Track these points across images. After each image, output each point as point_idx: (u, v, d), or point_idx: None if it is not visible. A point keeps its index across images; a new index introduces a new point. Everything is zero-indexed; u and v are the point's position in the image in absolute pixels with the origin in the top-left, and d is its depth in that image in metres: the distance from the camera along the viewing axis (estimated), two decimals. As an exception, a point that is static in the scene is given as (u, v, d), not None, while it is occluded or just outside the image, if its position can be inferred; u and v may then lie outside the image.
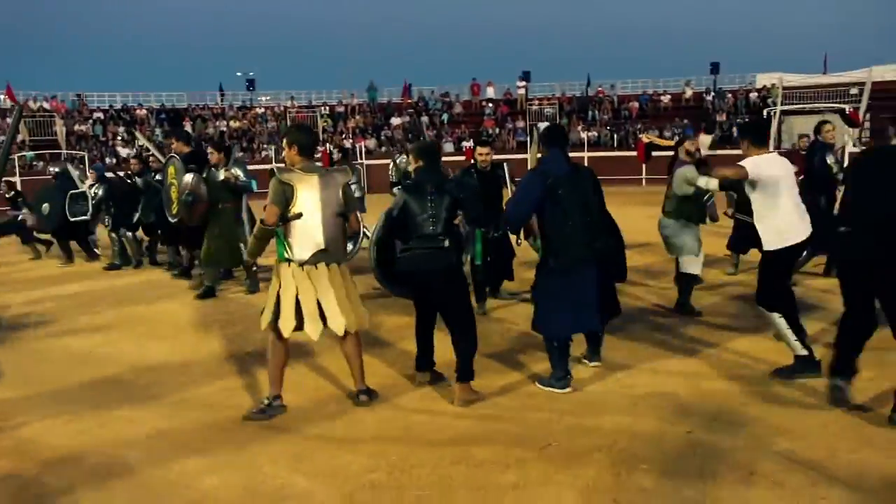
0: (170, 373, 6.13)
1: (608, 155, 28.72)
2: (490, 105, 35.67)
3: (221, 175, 8.77)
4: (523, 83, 36.02)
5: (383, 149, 31.76)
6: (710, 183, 6.10)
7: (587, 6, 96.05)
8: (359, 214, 6.64)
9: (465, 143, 31.43)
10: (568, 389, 5.30)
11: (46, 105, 33.02)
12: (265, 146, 31.69)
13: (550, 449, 4.39)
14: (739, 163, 5.44)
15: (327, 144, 31.69)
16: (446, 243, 5.19)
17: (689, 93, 34.62)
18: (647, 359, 6.07)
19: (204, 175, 8.83)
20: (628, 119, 33.29)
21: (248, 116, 35.17)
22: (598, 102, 34.70)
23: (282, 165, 5.47)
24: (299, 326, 4.94)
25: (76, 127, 31.94)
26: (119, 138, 31.43)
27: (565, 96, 36.12)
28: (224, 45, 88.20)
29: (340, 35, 45.84)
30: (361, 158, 29.88)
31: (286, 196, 4.85)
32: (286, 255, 4.91)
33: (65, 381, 5.98)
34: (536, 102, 35.09)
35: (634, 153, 25.72)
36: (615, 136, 31.50)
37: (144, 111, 34.66)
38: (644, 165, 25.02)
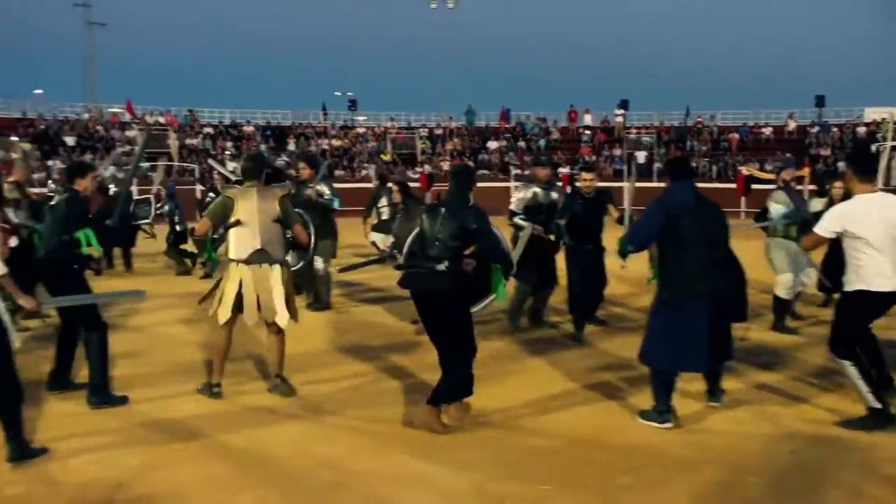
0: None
1: (707, 186, 28.17)
2: (587, 132, 35.84)
3: (307, 191, 8.97)
4: (621, 111, 36.08)
5: (479, 172, 32.28)
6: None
7: (687, 35, 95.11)
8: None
9: (561, 170, 31.71)
10: (668, 425, 5.16)
11: (161, 119, 34.90)
12: (365, 165, 32.65)
13: (662, 457, 4.68)
14: (819, 224, 5.25)
15: (425, 166, 32.51)
16: (441, 267, 5.11)
17: (791, 125, 34.01)
18: (749, 379, 6.26)
19: (292, 191, 9.09)
20: (728, 150, 32.93)
21: (350, 136, 36.29)
22: (696, 133, 34.48)
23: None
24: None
25: (188, 140, 33.56)
26: (227, 153, 32.94)
27: (663, 125, 35.99)
28: (327, 65, 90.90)
29: (440, 58, 47.04)
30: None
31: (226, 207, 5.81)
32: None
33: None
34: (634, 131, 35.10)
35: (734, 185, 25.66)
36: (714, 167, 31.23)
37: (251, 127, 36.14)
38: (744, 198, 24.76)
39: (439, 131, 36.91)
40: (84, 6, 47.07)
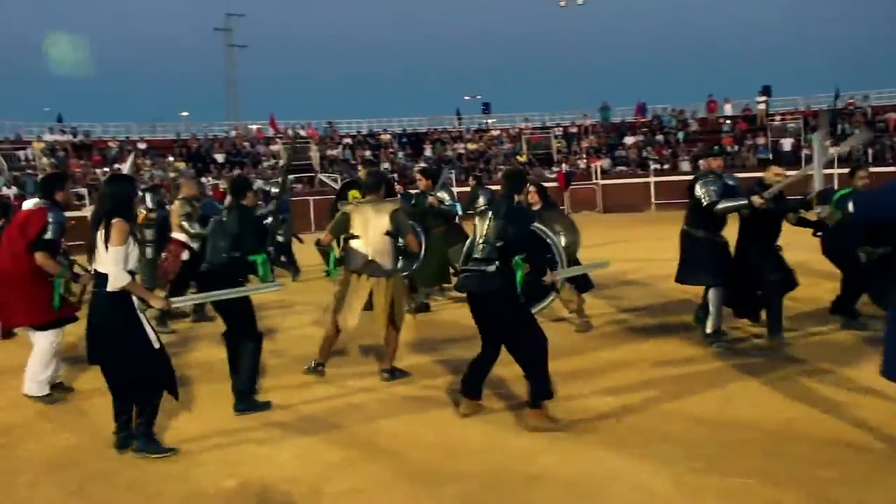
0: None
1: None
2: (728, 122, 34.62)
3: (428, 200, 9.41)
4: (763, 98, 34.60)
5: (617, 168, 31.85)
6: None
7: (831, 12, 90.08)
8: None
9: (701, 162, 30.77)
10: None
11: (303, 132, 36.29)
12: (500, 167, 32.81)
13: (865, 452, 4.49)
14: None
15: (563, 165, 32.34)
16: (491, 268, 5.18)
17: (956, 101, 31.69)
18: None
19: (413, 202, 9.43)
20: (885, 132, 31.00)
21: (484, 139, 36.56)
22: (848, 115, 32.64)
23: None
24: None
25: (328, 152, 34.75)
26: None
27: (810, 110, 34.29)
28: (459, 70, 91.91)
29: (572, 55, 46.71)
30: (597, 178, 30.17)
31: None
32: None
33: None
34: (778, 118, 33.62)
35: (894, 169, 24.13)
36: (869, 150, 29.47)
37: (388, 136, 37.03)
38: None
39: (574, 129, 36.61)
40: (225, 30, 49.72)
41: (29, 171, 27.42)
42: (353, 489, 4.35)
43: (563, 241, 6.89)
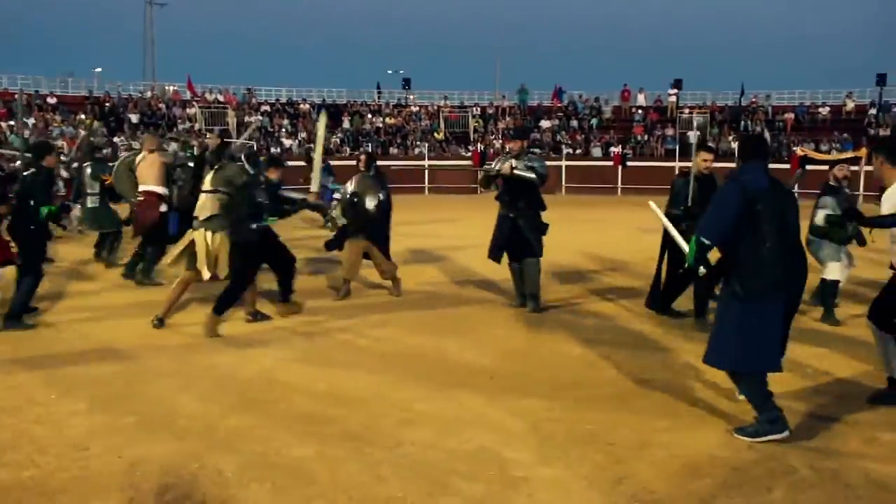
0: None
1: (760, 166, 28.25)
2: (640, 112, 35.73)
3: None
4: (674, 91, 35.78)
5: (532, 150, 32.48)
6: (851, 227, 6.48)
7: (743, 12, 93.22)
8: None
9: (612, 149, 31.78)
10: (785, 434, 4.49)
11: (220, 97, 35.72)
12: (418, 143, 33.09)
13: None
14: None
15: (478, 144, 32.84)
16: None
17: (850, 105, 33.47)
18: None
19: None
20: (782, 131, 32.61)
21: (403, 114, 36.73)
22: (751, 112, 34.14)
23: None
24: None
25: (245, 118, 34.31)
26: (283, 130, 33.64)
27: (717, 105, 35.72)
28: (381, 43, 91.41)
29: (492, 37, 46.99)
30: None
31: None
32: None
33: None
34: (687, 110, 34.87)
35: (788, 166, 25.48)
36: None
37: (307, 105, 36.75)
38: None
39: (491, 110, 37.15)
40: (145, -14, 48.19)
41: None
42: (247, 426, 4.66)
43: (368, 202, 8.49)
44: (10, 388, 5.39)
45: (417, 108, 37.49)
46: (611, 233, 15.49)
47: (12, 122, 27.52)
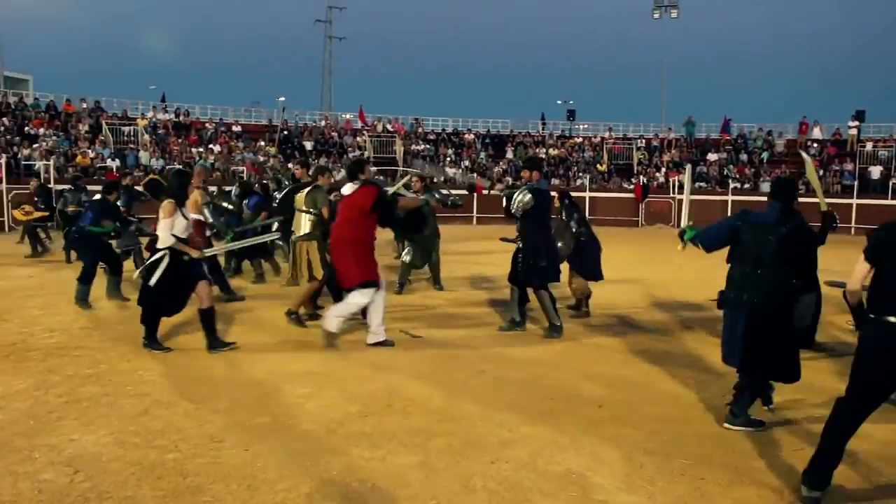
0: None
1: (948, 205, 26.28)
2: (815, 145, 34.07)
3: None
4: (856, 123, 33.93)
5: (697, 185, 31.72)
6: None
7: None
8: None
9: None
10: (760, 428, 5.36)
11: (389, 126, 37.41)
12: (580, 175, 33.17)
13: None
14: None
15: (641, 177, 32.48)
16: None
17: None
18: None
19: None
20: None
21: (567, 145, 36.94)
22: (942, 147, 31.75)
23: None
24: None
25: (412, 147, 35.74)
26: (448, 159, 34.73)
27: (904, 138, 33.49)
28: (547, 73, 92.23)
29: (661, 68, 46.34)
30: (673, 193, 30.19)
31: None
32: None
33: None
34: (870, 144, 32.94)
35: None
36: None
37: (472, 135, 37.77)
38: None
39: (657, 142, 36.65)
40: (325, 22, 51.46)
41: (131, 146, 29.30)
42: (361, 433, 5.13)
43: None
44: (168, 385, 6.17)
45: (581, 140, 37.60)
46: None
47: (202, 149, 30.21)
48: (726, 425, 5.40)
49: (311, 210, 8.48)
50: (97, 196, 10.26)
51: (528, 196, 8.09)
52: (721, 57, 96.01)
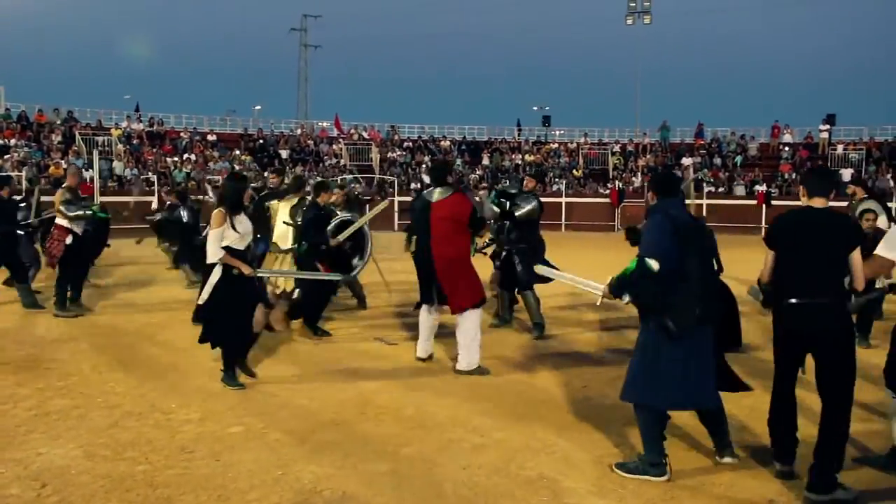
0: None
1: (918, 207, 26.63)
2: (787, 149, 34.49)
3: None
4: (826, 127, 34.37)
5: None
6: None
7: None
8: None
9: (757, 188, 30.82)
10: (665, 478, 4.53)
11: (365, 134, 37.40)
12: (556, 181, 33.31)
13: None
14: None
15: (617, 182, 32.69)
16: None
17: None
18: None
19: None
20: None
21: (542, 151, 37.11)
22: (917, 148, 32.21)
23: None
24: None
25: (388, 154, 35.74)
26: (424, 166, 34.75)
27: (874, 141, 33.95)
28: (522, 79, 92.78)
29: (635, 74, 46.72)
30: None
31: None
32: None
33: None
34: (840, 147, 33.38)
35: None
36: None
37: (448, 142, 37.82)
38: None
39: (632, 147, 36.91)
40: (300, 30, 51.37)
41: (107, 157, 29.05)
42: (332, 442, 5.11)
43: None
44: (139, 396, 6.13)
45: (557, 146, 37.79)
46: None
47: (176, 159, 30.03)
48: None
49: (294, 222, 8.17)
50: None
51: (536, 204, 8.78)
52: (693, 62, 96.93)
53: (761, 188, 30.78)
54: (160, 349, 7.81)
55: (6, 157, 26.12)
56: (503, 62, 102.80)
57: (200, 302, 6.59)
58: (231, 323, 6.31)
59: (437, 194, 6.98)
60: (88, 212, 9.83)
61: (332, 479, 4.48)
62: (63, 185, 10.40)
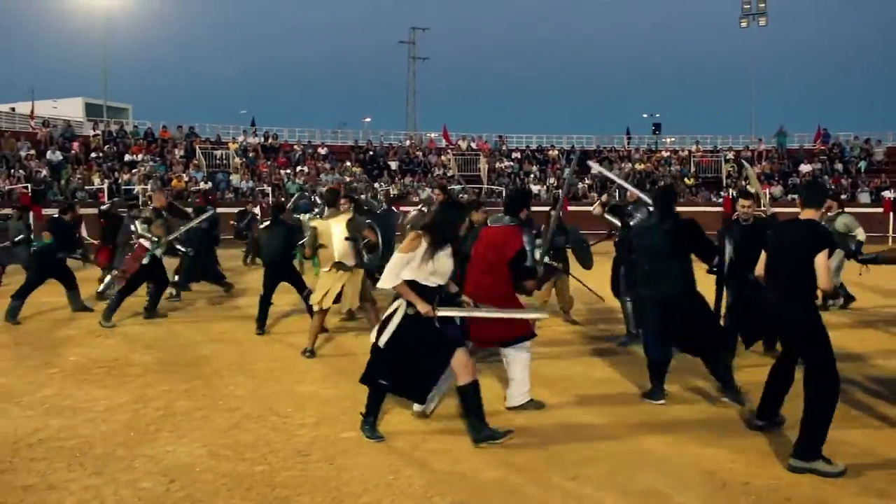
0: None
1: None
2: (917, 152, 32.67)
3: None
4: (961, 130, 32.37)
5: (789, 196, 30.77)
6: None
7: None
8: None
9: (884, 194, 29.29)
10: (662, 402, 6.27)
11: (473, 145, 37.62)
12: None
13: None
14: None
15: (730, 190, 31.69)
16: None
17: None
18: None
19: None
20: None
21: (653, 159, 36.39)
22: None
23: None
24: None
25: (497, 164, 35.82)
26: (532, 175, 34.66)
27: None
28: (632, 86, 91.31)
29: (750, 78, 45.02)
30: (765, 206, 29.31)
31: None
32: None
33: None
34: (975, 152, 31.39)
35: None
36: None
37: (556, 152, 37.59)
38: None
39: (747, 154, 35.75)
40: (409, 43, 52.20)
41: (225, 170, 30.36)
42: (445, 449, 5.19)
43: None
44: (257, 400, 6.39)
45: (668, 153, 37.01)
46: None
47: (289, 171, 31.03)
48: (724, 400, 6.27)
49: (353, 237, 8.01)
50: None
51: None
52: (812, 65, 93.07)
53: (890, 195, 29.22)
54: (274, 356, 8.12)
55: (133, 171, 27.65)
56: (612, 69, 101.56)
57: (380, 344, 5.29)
58: (406, 366, 5.22)
59: (495, 220, 6.59)
60: (154, 241, 10.01)
61: (443, 485, 4.56)
62: (151, 206, 10.93)
